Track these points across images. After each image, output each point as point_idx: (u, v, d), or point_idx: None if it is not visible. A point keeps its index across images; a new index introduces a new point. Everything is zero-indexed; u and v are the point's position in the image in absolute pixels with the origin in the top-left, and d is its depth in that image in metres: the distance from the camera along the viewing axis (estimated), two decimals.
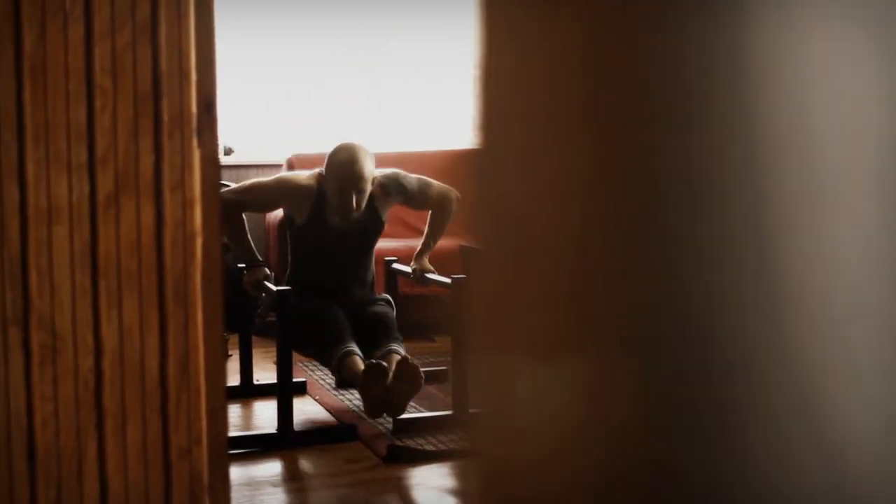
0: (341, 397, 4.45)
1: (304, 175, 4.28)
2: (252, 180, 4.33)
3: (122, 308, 2.11)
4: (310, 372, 4.94)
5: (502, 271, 0.87)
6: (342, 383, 3.98)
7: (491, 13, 0.91)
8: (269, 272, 4.26)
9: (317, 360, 4.26)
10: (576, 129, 0.82)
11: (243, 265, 4.27)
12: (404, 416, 3.97)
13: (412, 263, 4.46)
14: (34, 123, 2.05)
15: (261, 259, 4.30)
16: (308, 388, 4.60)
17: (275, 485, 3.38)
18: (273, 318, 4.07)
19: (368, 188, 4.18)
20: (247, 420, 4.20)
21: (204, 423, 2.17)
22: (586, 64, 0.80)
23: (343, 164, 4.13)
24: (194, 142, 2.14)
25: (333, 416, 4.17)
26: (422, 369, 3.80)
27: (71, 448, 2.11)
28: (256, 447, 3.71)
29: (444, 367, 4.78)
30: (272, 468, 3.57)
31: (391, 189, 4.31)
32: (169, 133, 2.12)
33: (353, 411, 4.22)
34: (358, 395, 4.44)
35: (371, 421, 4.03)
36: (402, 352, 4.02)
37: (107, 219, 2.10)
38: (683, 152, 0.76)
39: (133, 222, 2.11)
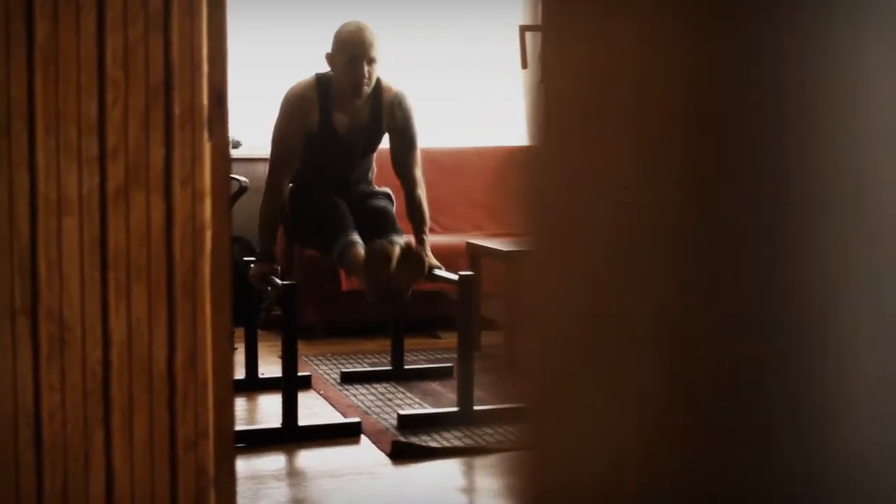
0: (346, 393, 4.45)
1: (301, 82, 4.20)
2: (271, 142, 4.22)
3: (131, 300, 2.11)
4: (315, 366, 4.95)
5: (555, 270, 0.87)
6: (341, 267, 4.02)
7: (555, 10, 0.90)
8: (275, 267, 4.26)
9: (319, 250, 4.25)
10: (653, 129, 0.81)
11: (250, 258, 4.26)
12: (409, 412, 3.97)
13: None
14: (45, 114, 2.05)
15: (274, 255, 4.29)
16: (313, 382, 4.60)
17: (279, 479, 3.39)
18: (278, 313, 4.07)
19: (378, 63, 4.12)
20: (251, 414, 4.20)
21: (211, 417, 2.17)
22: (673, 63, 0.80)
23: (352, 33, 4.10)
24: (205, 135, 2.13)
25: (338, 410, 4.17)
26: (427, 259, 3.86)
27: (78, 439, 2.11)
28: (261, 441, 3.72)
29: (449, 364, 4.78)
30: (276, 462, 3.57)
31: (401, 108, 4.24)
32: (180, 125, 2.12)
33: (358, 407, 4.22)
34: (363, 391, 4.44)
35: (384, 417, 4.03)
36: (402, 242, 4.02)
37: (116, 211, 2.09)
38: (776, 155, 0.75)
39: (143, 215, 2.11)
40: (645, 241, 0.76)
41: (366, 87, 4.09)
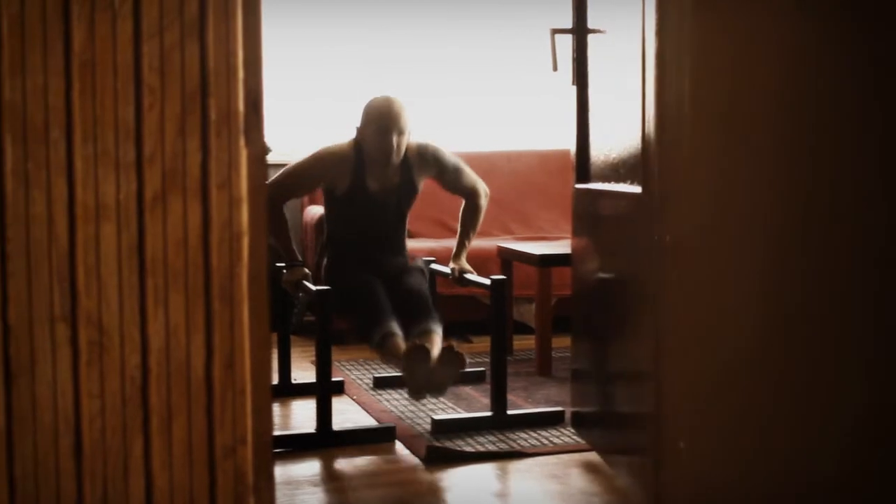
0: (379, 398, 4.45)
1: (340, 143, 4.30)
2: (288, 166, 4.32)
3: (169, 306, 2.11)
4: (347, 371, 4.95)
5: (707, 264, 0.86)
6: (380, 356, 4.04)
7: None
8: (307, 272, 4.27)
9: (356, 330, 4.28)
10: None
11: (282, 265, 4.27)
12: (443, 417, 3.97)
13: (451, 264, 4.46)
14: (83, 121, 2.06)
15: (300, 259, 4.30)
16: (346, 388, 4.60)
17: (314, 484, 3.38)
18: (310, 318, 4.08)
19: (407, 134, 4.21)
20: (285, 419, 4.20)
21: (249, 422, 2.16)
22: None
23: (381, 106, 4.18)
24: (241, 140, 2.13)
25: (372, 416, 4.16)
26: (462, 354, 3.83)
27: (117, 446, 2.11)
28: (296, 447, 3.71)
29: (481, 369, 4.77)
30: (311, 468, 3.57)
31: (428, 157, 4.34)
32: (216, 131, 2.12)
33: (392, 412, 4.21)
34: (396, 395, 4.44)
35: (418, 421, 4.02)
36: (440, 330, 4.05)
37: (154, 217, 2.10)
38: None
39: (180, 221, 2.11)
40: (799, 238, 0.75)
41: (395, 157, 4.18)
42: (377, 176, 4.25)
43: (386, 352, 3.95)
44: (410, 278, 4.30)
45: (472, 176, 4.46)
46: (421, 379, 3.78)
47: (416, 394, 3.86)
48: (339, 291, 4.06)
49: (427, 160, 4.34)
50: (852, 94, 2.65)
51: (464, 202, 4.49)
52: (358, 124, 4.25)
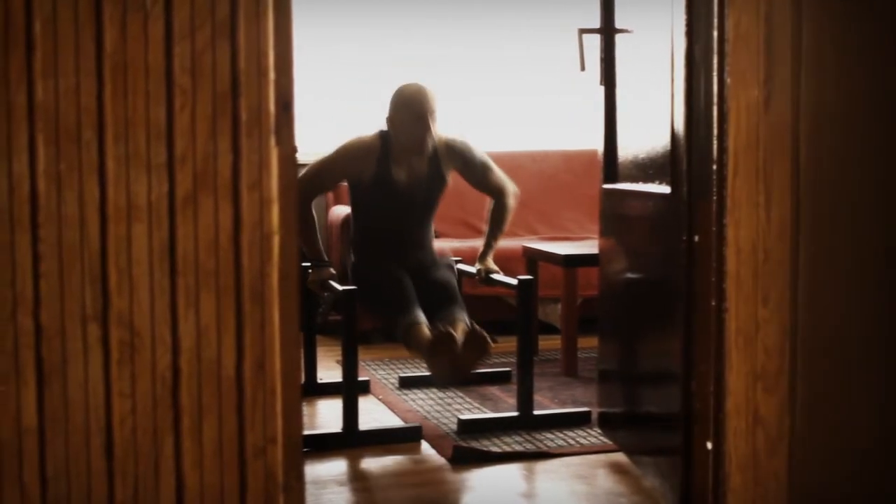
0: (405, 397, 4.45)
1: (365, 135, 4.30)
2: (312, 163, 4.32)
3: (200, 306, 2.12)
4: (373, 371, 4.95)
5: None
6: (405, 345, 4.02)
7: None
8: (333, 271, 4.27)
9: (383, 323, 4.28)
10: None
11: (307, 264, 4.28)
12: (469, 417, 3.96)
13: (476, 264, 4.45)
14: (114, 122, 2.07)
15: (326, 258, 4.31)
16: (371, 387, 4.61)
17: (341, 484, 3.39)
18: (335, 318, 4.08)
19: (437, 123, 4.20)
20: (311, 419, 4.21)
21: (279, 422, 2.17)
22: None
23: (415, 92, 4.19)
24: (272, 141, 2.14)
25: (398, 415, 4.17)
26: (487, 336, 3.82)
27: (148, 445, 2.12)
28: (322, 446, 3.72)
29: (507, 369, 4.77)
30: (338, 467, 3.57)
31: (456, 149, 4.33)
32: (247, 132, 2.12)
33: (418, 411, 4.21)
34: (422, 395, 4.44)
35: (444, 421, 4.03)
36: (466, 319, 4.04)
37: (185, 217, 2.10)
38: None
39: (211, 221, 2.11)
40: None
41: (429, 143, 4.20)
42: (404, 166, 4.24)
43: (412, 340, 3.95)
44: (438, 272, 4.30)
45: (500, 175, 4.45)
46: (446, 364, 3.78)
47: (441, 378, 3.86)
48: (365, 283, 4.07)
49: (455, 152, 4.33)
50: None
51: (492, 202, 4.48)
52: (386, 114, 4.25)
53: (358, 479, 3.46)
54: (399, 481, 3.41)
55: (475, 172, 4.41)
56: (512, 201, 4.46)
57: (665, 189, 2.91)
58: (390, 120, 4.23)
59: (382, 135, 4.25)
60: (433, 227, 4.47)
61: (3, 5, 2.00)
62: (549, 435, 3.85)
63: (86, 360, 2.07)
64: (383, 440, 3.81)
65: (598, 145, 3.54)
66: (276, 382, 2.16)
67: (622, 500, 3.17)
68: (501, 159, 6.44)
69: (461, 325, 3.98)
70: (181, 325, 2.12)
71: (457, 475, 3.47)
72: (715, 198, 2.59)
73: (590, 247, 5.07)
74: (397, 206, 4.27)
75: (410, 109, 4.16)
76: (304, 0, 6.23)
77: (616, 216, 3.42)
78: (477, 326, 3.86)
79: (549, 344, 5.45)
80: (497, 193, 4.45)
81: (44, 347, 2.06)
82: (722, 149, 2.57)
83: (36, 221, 2.04)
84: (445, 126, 4.40)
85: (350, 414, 3.77)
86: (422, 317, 4.00)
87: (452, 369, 3.81)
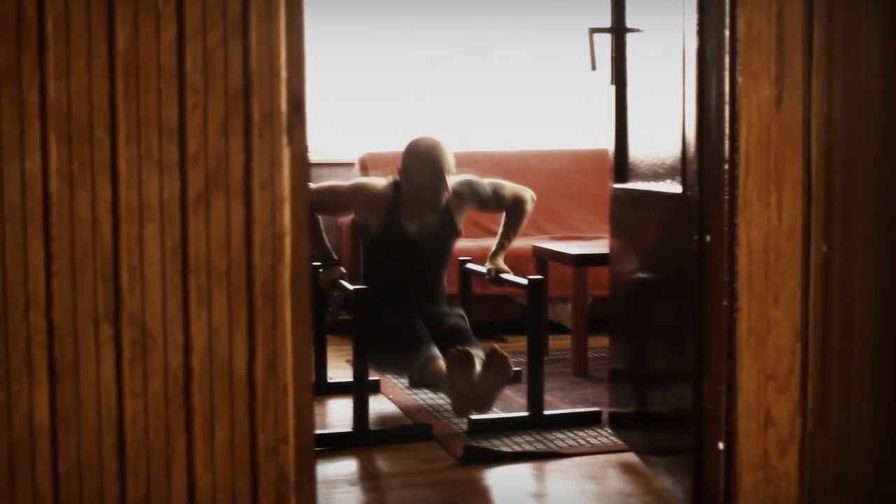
0: (415, 396, 4.45)
1: (379, 182, 4.30)
2: (328, 182, 4.35)
3: (212, 306, 2.12)
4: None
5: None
6: (422, 384, 3.96)
7: None
8: (343, 271, 4.27)
9: (396, 373, 4.25)
10: None
11: (318, 264, 4.28)
12: (479, 417, 3.95)
13: (487, 264, 4.45)
14: (126, 122, 2.07)
15: (336, 258, 4.31)
16: (381, 387, 4.61)
17: (351, 483, 3.39)
18: (345, 317, 4.07)
19: (451, 180, 4.20)
20: (321, 418, 4.21)
21: (291, 422, 2.17)
22: None
23: (431, 147, 4.17)
24: (284, 140, 2.14)
25: (408, 415, 4.17)
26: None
27: (160, 445, 2.12)
28: (332, 446, 3.72)
29: (518, 369, 4.76)
30: (348, 467, 3.57)
31: (465, 195, 4.32)
32: (259, 131, 2.13)
33: (428, 410, 4.21)
34: (432, 395, 4.44)
35: (454, 420, 4.02)
36: (482, 355, 3.97)
37: (197, 217, 2.11)
38: None
39: (223, 220, 2.12)
40: None
41: (445, 196, 4.20)
42: (416, 218, 4.24)
43: (428, 376, 3.89)
44: (450, 319, 4.26)
45: (512, 188, 4.42)
46: (465, 388, 3.72)
47: (463, 408, 3.80)
48: (376, 329, 4.00)
49: (464, 198, 4.32)
50: None
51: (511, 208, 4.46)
52: (399, 166, 4.24)
53: (369, 479, 3.46)
54: (409, 481, 3.41)
55: (490, 204, 4.42)
56: (530, 206, 4.44)
57: (676, 189, 2.90)
58: (403, 172, 4.22)
59: (395, 185, 4.24)
60: (445, 280, 4.44)
61: (15, 5, 2.01)
62: (560, 435, 3.85)
63: (98, 360, 2.08)
64: (394, 440, 3.81)
65: (609, 145, 3.53)
66: (288, 382, 2.16)
67: (633, 500, 3.17)
68: (511, 158, 6.45)
69: (478, 353, 3.94)
70: (193, 325, 2.12)
71: (467, 475, 3.47)
72: (726, 197, 2.59)
73: (600, 246, 5.06)
74: (407, 255, 4.25)
75: (427, 163, 4.15)
76: (312, 0, 6.23)
77: (627, 216, 3.42)
78: (498, 347, 3.79)
79: (559, 344, 5.45)
80: (515, 205, 4.44)
81: (56, 346, 2.06)
82: (733, 148, 2.56)
83: (48, 221, 2.05)
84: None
85: (361, 413, 3.77)
86: (437, 352, 3.96)
87: (473, 395, 3.73)
